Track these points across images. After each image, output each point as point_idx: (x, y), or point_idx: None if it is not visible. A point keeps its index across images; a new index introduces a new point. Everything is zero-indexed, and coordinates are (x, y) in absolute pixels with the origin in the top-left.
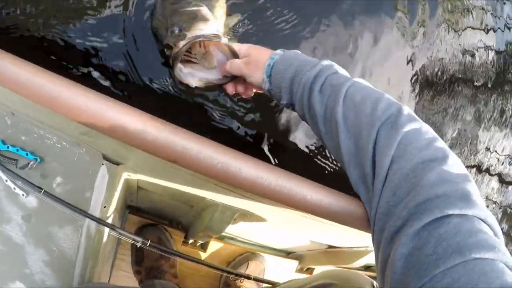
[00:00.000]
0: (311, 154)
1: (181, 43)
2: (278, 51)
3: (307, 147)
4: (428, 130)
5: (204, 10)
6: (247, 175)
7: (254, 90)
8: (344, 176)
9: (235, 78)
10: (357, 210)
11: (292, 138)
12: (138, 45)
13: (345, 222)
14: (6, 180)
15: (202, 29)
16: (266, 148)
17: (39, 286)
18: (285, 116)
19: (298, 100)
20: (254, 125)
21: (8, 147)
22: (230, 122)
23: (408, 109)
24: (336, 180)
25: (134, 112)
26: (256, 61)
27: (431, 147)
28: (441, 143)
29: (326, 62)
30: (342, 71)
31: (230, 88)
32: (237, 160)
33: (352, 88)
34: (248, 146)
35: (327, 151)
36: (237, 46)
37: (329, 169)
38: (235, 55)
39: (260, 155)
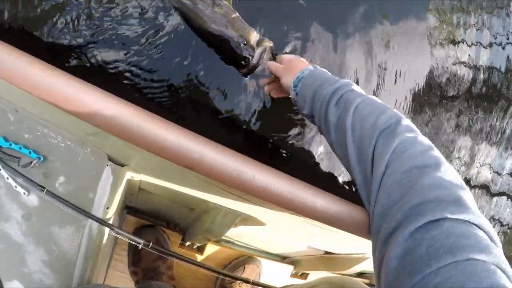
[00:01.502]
0: (319, 164)
1: (257, 54)
2: (310, 67)
3: (316, 157)
4: (424, 140)
5: (232, 8)
6: (260, 182)
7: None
8: (350, 185)
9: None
10: (363, 219)
11: (303, 147)
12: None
13: (350, 229)
14: (8, 178)
15: (254, 36)
16: (277, 156)
17: (37, 285)
18: (298, 127)
19: (317, 112)
20: (267, 133)
21: (10, 144)
22: (244, 129)
23: (407, 121)
24: (342, 189)
25: (151, 117)
26: (292, 68)
27: (425, 154)
28: (436, 152)
29: (345, 81)
30: (357, 88)
31: (264, 81)
32: (250, 167)
33: (362, 104)
34: (261, 154)
35: (333, 162)
36: (287, 56)
37: (336, 178)
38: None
39: (272, 163)
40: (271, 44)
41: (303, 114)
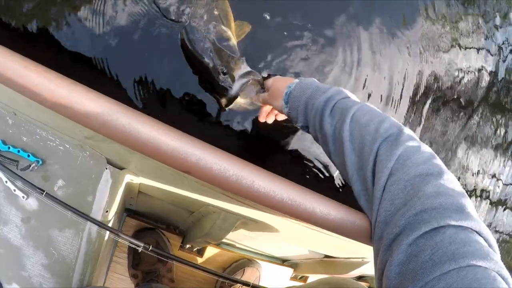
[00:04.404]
0: (320, 169)
1: (237, 86)
2: (295, 80)
3: (315, 162)
4: (426, 149)
5: (229, 35)
6: (259, 188)
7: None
8: (349, 191)
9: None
10: (364, 224)
11: (303, 152)
12: None
13: (351, 235)
14: (6, 182)
15: (241, 68)
16: (277, 161)
17: None
18: (296, 133)
19: (311, 122)
20: (267, 138)
21: (9, 147)
22: (243, 134)
23: (409, 130)
24: (342, 194)
25: (148, 120)
26: (276, 91)
27: (428, 163)
28: (438, 161)
29: (336, 88)
30: (350, 95)
31: (261, 117)
32: (250, 172)
33: (358, 112)
34: (260, 158)
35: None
36: (268, 81)
37: (335, 183)
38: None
39: (271, 168)
40: (258, 77)
41: (298, 127)
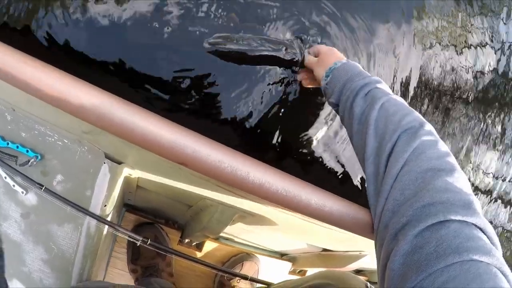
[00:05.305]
0: (318, 160)
1: (298, 50)
2: (343, 60)
3: (311, 155)
4: (442, 146)
5: None
6: (254, 179)
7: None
8: (349, 184)
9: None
10: (359, 216)
11: (299, 146)
12: None
13: (347, 227)
14: (5, 177)
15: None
16: (274, 152)
17: (37, 284)
18: (292, 126)
19: (343, 102)
20: (263, 130)
21: (8, 143)
22: (239, 127)
23: (430, 126)
24: (340, 187)
25: (143, 113)
26: (324, 61)
27: (442, 159)
28: (452, 159)
29: (376, 78)
30: (385, 87)
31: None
32: (245, 164)
33: (388, 102)
34: (256, 150)
35: (332, 160)
36: (319, 47)
37: (334, 175)
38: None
39: (267, 159)
40: (301, 36)
41: (329, 102)
